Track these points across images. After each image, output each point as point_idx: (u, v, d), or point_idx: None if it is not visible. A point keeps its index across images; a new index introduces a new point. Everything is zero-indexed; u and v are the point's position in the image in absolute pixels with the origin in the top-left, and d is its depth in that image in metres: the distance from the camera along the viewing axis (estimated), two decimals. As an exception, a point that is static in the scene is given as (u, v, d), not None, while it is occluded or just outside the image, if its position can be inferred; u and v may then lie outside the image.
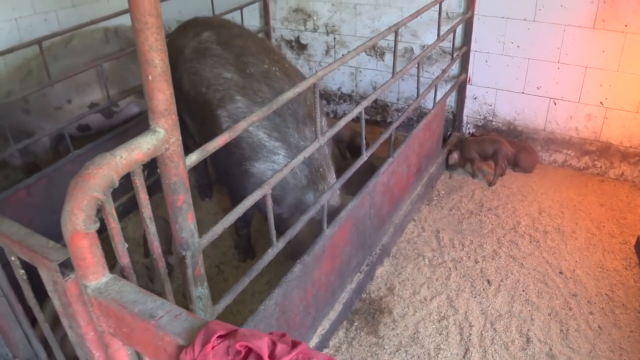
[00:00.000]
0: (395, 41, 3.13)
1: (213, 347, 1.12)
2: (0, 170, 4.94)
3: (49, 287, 1.66)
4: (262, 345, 1.10)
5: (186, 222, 1.79)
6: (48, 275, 1.62)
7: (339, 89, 5.45)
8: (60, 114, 4.30)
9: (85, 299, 1.47)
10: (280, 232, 2.51)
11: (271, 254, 2.35)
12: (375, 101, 5.26)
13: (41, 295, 1.87)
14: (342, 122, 2.73)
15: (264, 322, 2.32)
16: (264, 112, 2.13)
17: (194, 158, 1.83)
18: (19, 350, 2.41)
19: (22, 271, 1.85)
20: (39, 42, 3.66)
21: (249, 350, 1.10)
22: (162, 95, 1.55)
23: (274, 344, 1.12)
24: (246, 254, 3.68)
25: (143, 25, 1.43)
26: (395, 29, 3.06)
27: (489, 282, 3.37)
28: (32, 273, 1.82)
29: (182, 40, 3.56)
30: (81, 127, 4.40)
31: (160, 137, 1.57)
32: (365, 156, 3.04)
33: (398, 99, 5.13)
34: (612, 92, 4.19)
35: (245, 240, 3.63)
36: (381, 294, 3.31)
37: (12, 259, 1.81)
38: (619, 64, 4.08)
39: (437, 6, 3.88)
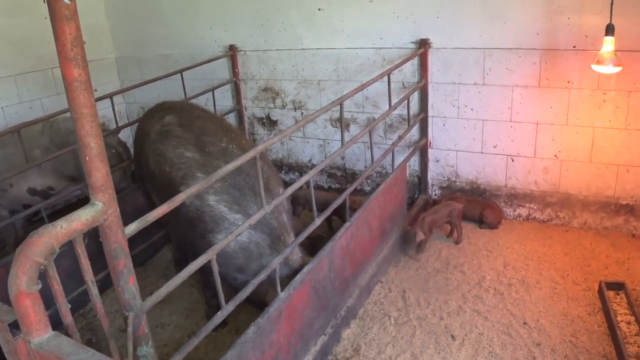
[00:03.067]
0: (341, 112, 3.37)
1: None
2: None
3: (4, 348, 1.82)
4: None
5: (128, 285, 1.95)
6: (2, 336, 1.78)
7: (309, 160, 5.68)
8: (6, 195, 4.79)
9: (30, 356, 1.63)
10: (250, 298, 2.64)
11: (220, 316, 2.50)
12: (344, 170, 5.47)
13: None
14: (289, 190, 2.91)
15: (218, 384, 2.40)
16: (202, 185, 2.33)
17: (133, 227, 1.99)
18: None
19: None
20: (17, 129, 3.99)
21: None
22: (99, 173, 1.75)
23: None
24: (218, 324, 3.75)
25: (79, 115, 1.67)
26: (339, 102, 3.28)
27: (453, 337, 3.43)
28: None
29: (148, 124, 3.82)
30: (25, 206, 4.79)
31: (99, 209, 1.77)
32: (317, 221, 3.19)
33: (365, 167, 5.34)
34: (564, 145, 4.40)
35: (216, 310, 3.71)
36: (347, 355, 3.36)
37: None
38: (567, 118, 4.31)
39: (395, 76, 4.13)
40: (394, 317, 3.68)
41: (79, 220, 1.71)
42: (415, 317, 3.66)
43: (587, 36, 4.03)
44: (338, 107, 3.31)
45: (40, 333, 1.63)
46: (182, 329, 3.82)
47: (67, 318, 1.82)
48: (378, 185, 4.95)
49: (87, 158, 1.72)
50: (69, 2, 1.55)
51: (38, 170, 4.68)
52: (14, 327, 1.73)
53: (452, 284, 3.98)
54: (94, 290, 1.88)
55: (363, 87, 3.66)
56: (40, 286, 1.61)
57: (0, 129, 5.30)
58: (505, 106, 4.49)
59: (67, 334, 1.79)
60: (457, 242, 4.48)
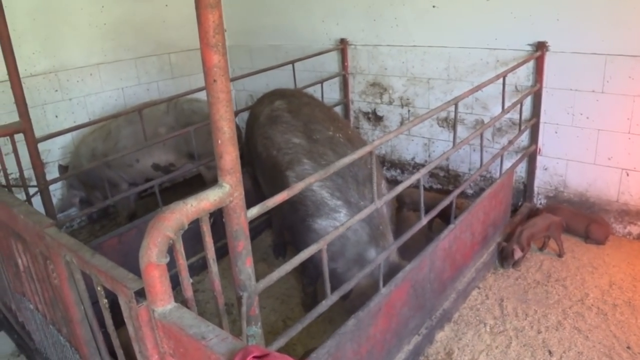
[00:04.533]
0: (455, 113, 3.34)
1: None
2: (99, 221, 5.73)
3: (125, 313, 1.97)
4: (289, 366, 1.31)
5: (244, 266, 2.05)
6: (125, 302, 1.94)
7: (412, 158, 5.66)
8: (131, 170, 5.19)
9: (152, 324, 1.75)
10: (334, 287, 2.71)
11: (324, 305, 2.57)
12: (448, 171, 5.41)
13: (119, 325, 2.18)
14: (400, 188, 2.94)
15: (316, 371, 2.49)
16: (320, 175, 2.39)
17: (254, 211, 2.08)
18: None
19: (105, 300, 2.19)
20: (139, 109, 4.29)
21: None
22: (229, 157, 1.84)
23: (300, 368, 1.33)
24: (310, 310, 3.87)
25: (216, 100, 1.76)
26: (454, 102, 3.26)
27: (550, 352, 3.34)
28: (116, 309, 2.14)
29: (258, 108, 3.99)
30: (147, 180, 5.16)
31: (226, 191, 1.86)
32: (424, 221, 3.20)
33: (470, 169, 5.25)
34: (685, 163, 4.13)
35: (311, 298, 3.82)
36: (439, 358, 3.36)
37: (98, 288, 2.16)
38: (691, 134, 4.04)
39: (508, 79, 4.03)
40: (489, 325, 3.62)
41: (207, 200, 1.80)
42: (512, 327, 3.58)
43: None
44: (447, 107, 3.28)
45: (164, 303, 1.73)
46: (277, 313, 3.95)
47: (188, 292, 1.93)
48: (481, 189, 4.88)
49: (219, 141, 1.80)
50: None
51: (162, 147, 5.06)
52: (138, 295, 1.87)
53: (553, 297, 3.85)
54: (214, 268, 1.99)
55: (478, 88, 3.60)
56: (168, 259, 1.71)
57: (120, 108, 5.72)
58: (625, 116, 4.26)
59: (186, 306, 1.91)
60: (560, 255, 4.32)
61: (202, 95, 4.57)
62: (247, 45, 6.61)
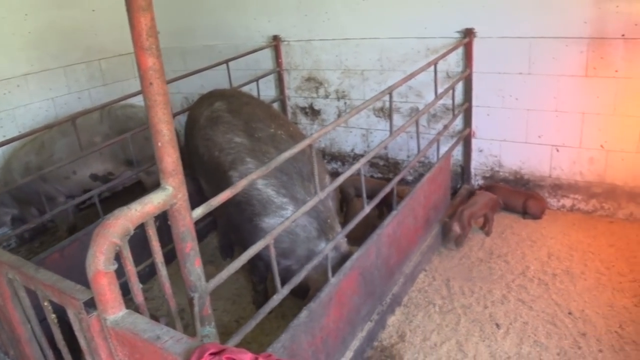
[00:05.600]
0: (390, 102, 3.41)
1: None
2: (37, 237, 5.55)
3: (75, 326, 1.94)
4: (245, 359, 1.32)
5: (194, 267, 2.04)
6: (75, 314, 1.91)
7: (352, 150, 5.74)
8: (69, 182, 5.02)
9: (105, 333, 1.74)
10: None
11: (276, 299, 2.60)
12: (387, 160, 5.52)
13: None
14: (341, 179, 2.98)
15: (273, 365, 2.50)
16: (262, 172, 2.40)
17: (199, 211, 2.08)
18: None
19: (54, 315, 2.14)
20: (73, 119, 4.16)
21: None
22: (170, 159, 1.83)
23: (256, 359, 1.34)
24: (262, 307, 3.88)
25: (153, 103, 1.75)
26: (388, 92, 3.33)
27: (497, 325, 3.47)
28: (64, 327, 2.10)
29: (197, 111, 3.96)
30: (85, 191, 5.00)
31: (169, 193, 1.86)
32: (367, 209, 3.26)
33: (408, 156, 5.37)
34: (611, 135, 4.36)
35: (263, 296, 3.83)
36: (392, 342, 3.44)
37: (45, 304, 2.11)
38: (614, 108, 4.26)
39: (439, 66, 4.14)
40: (438, 305, 3.73)
41: (152, 203, 1.80)
42: (459, 305, 3.70)
43: (636, 24, 3.97)
44: (382, 97, 3.35)
45: (116, 311, 1.73)
46: (229, 314, 3.94)
47: (139, 297, 1.92)
48: (420, 175, 5.00)
49: (159, 144, 1.79)
50: None
51: (99, 156, 4.92)
52: (88, 305, 1.83)
53: (496, 273, 4.01)
54: (163, 271, 1.99)
55: (411, 76, 3.69)
56: (116, 266, 1.70)
57: (51, 119, 5.53)
58: (551, 96, 4.46)
59: (138, 312, 1.90)
60: (487, 234, 4.49)
61: (136, 100, 4.50)
62: (180, 46, 6.51)
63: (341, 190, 4.67)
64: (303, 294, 3.33)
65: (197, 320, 2.06)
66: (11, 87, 5.34)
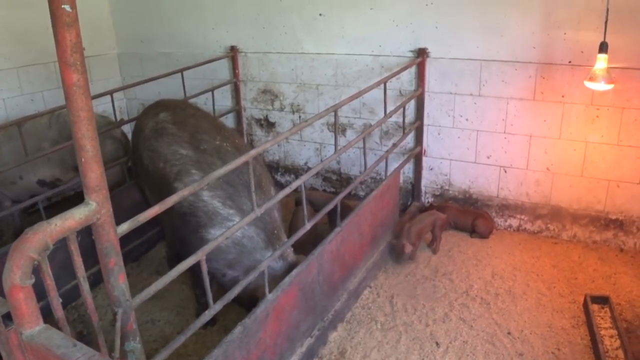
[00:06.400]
0: (336, 119, 3.42)
1: None
2: None
3: None
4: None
5: (118, 282, 2.01)
6: (-5, 326, 1.85)
7: (305, 163, 5.73)
8: (15, 187, 4.88)
9: (22, 347, 1.70)
10: (239, 296, 2.77)
11: (207, 315, 2.57)
12: (340, 174, 5.53)
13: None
14: (280, 195, 2.98)
15: (205, 381, 2.46)
16: (194, 188, 2.37)
17: (125, 227, 2.04)
18: None
19: None
20: (19, 122, 4.09)
21: None
22: (93, 174, 1.81)
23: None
24: (207, 322, 3.81)
25: (77, 118, 1.74)
26: (333, 109, 3.34)
27: (437, 344, 3.48)
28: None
29: (143, 121, 3.91)
30: (32, 196, 4.83)
31: (92, 208, 1.83)
32: (308, 225, 3.25)
33: (360, 172, 5.38)
34: (556, 158, 4.45)
35: (205, 308, 3.76)
36: (333, 358, 3.42)
37: None
38: (560, 132, 4.36)
39: (392, 84, 4.18)
40: (380, 322, 3.73)
41: (73, 218, 1.78)
42: (401, 322, 3.71)
43: (582, 52, 4.09)
44: (334, 113, 3.36)
45: (32, 325, 1.70)
46: (172, 326, 3.87)
47: (58, 312, 1.89)
48: (372, 190, 5.01)
49: (82, 159, 1.78)
50: (70, 10, 1.60)
51: (47, 162, 4.78)
52: (7, 318, 1.79)
53: (440, 291, 4.03)
54: (84, 286, 1.95)
55: (359, 94, 3.72)
56: (33, 280, 1.67)
57: (1, 120, 5.37)
58: (500, 118, 4.55)
59: (57, 327, 1.85)
60: (434, 252, 4.53)
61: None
62: (138, 52, 6.44)
63: (296, 201, 4.68)
64: (252, 306, 3.30)
65: (117, 336, 2.02)
66: (-42, 86, 5.19)
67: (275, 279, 3.11)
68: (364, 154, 3.84)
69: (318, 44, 5.18)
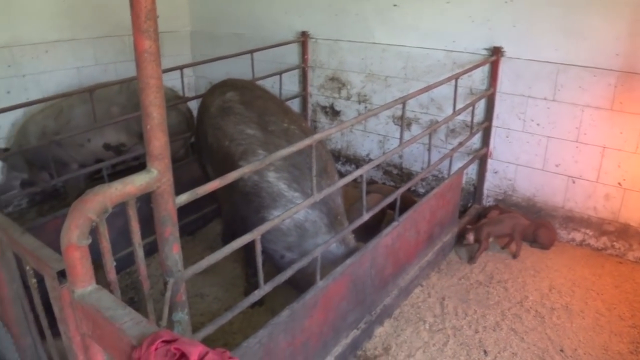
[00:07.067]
0: (403, 111, 3.35)
1: (156, 349, 1.32)
2: (47, 201, 5.64)
3: (51, 294, 1.94)
4: (194, 351, 1.29)
5: (171, 252, 2.02)
6: (50, 283, 1.90)
7: (367, 155, 5.67)
8: (82, 150, 5.11)
9: (73, 305, 1.72)
10: (294, 278, 2.79)
11: (256, 295, 2.58)
12: (401, 169, 5.44)
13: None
14: (341, 183, 2.94)
15: (247, 359, 2.46)
16: (256, 166, 2.36)
17: (184, 198, 2.05)
18: (26, 356, 2.69)
19: (34, 280, 2.15)
20: (91, 90, 4.25)
21: (182, 354, 1.29)
22: (157, 142, 1.81)
23: (206, 352, 1.30)
24: (255, 302, 3.84)
25: (145, 85, 1.73)
26: (402, 101, 3.27)
27: (485, 352, 3.38)
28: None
29: (209, 99, 3.94)
30: (98, 160, 5.12)
31: (154, 176, 1.83)
32: (365, 217, 3.20)
33: (422, 168, 5.29)
34: (630, 174, 4.23)
35: (254, 288, 3.78)
36: (377, 353, 3.37)
37: (27, 268, 2.13)
38: (637, 146, 4.13)
39: (463, 81, 4.07)
40: (429, 322, 3.66)
41: (133, 184, 1.78)
42: (450, 326, 3.62)
43: (671, 63, 3.86)
44: (401, 105, 3.29)
45: (84, 285, 1.70)
46: (220, 302, 3.91)
47: (111, 275, 1.91)
48: (432, 188, 4.91)
49: (148, 126, 1.78)
50: None
51: (114, 126, 4.98)
52: (61, 275, 1.83)
53: (493, 298, 3.91)
54: (139, 252, 1.97)
55: (429, 88, 3.63)
56: (89, 241, 1.68)
57: (74, 87, 5.56)
58: (574, 125, 4.35)
59: (109, 290, 1.88)
60: (514, 256, 4.40)
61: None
62: (210, 32, 6.53)
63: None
64: (303, 288, 3.31)
65: (166, 305, 2.03)
66: (39, 53, 5.39)
67: (336, 264, 3.11)
68: (429, 149, 3.75)
69: (390, 35, 5.09)
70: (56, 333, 2.25)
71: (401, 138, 3.39)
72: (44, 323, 2.31)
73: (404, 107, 3.32)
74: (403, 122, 3.41)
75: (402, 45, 5.05)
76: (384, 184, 5.53)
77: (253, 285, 3.78)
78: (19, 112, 5.16)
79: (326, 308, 2.99)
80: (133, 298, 3.89)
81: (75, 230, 1.64)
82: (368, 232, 3.56)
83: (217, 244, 4.63)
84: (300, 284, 3.20)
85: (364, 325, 3.39)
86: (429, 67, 4.94)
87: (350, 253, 3.26)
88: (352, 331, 3.32)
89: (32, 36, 5.29)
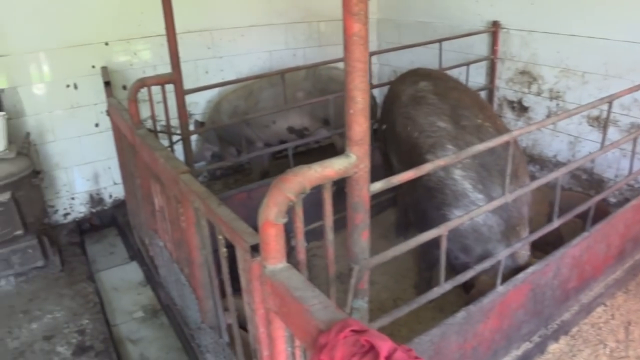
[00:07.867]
0: (608, 112, 3.08)
1: (344, 337, 1.33)
2: (233, 175, 6.16)
3: (240, 265, 2.08)
4: (384, 346, 1.27)
5: (360, 239, 2.05)
6: (241, 254, 2.03)
7: (554, 156, 5.30)
8: (267, 130, 5.40)
9: (262, 279, 1.82)
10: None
11: (436, 292, 2.53)
12: (591, 174, 5.01)
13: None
14: (534, 185, 2.79)
15: (415, 355, 2.45)
16: (452, 159, 2.34)
17: (378, 186, 2.06)
18: (207, 318, 2.93)
19: (225, 249, 2.32)
20: (282, 72, 4.51)
21: (371, 347, 1.28)
22: (359, 127, 1.82)
23: (394, 350, 1.28)
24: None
25: (352, 68, 1.75)
26: (608, 100, 2.99)
27: (678, 389, 3.03)
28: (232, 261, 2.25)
29: (400, 87, 3.89)
30: (281, 141, 5.41)
31: (352, 161, 1.85)
32: (556, 223, 3.01)
33: (616, 176, 4.81)
34: None
35: (426, 283, 3.74)
36: (549, 370, 3.18)
37: (219, 237, 2.30)
38: None
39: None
40: (610, 347, 3.34)
41: (332, 167, 1.81)
42: (635, 355, 3.27)
43: None
44: (603, 105, 3.02)
45: (276, 262, 1.77)
46: (389, 292, 3.93)
47: (301, 255, 1.97)
48: (626, 199, 4.46)
49: (351, 111, 1.79)
50: None
51: (299, 110, 5.23)
52: (254, 249, 1.93)
53: (692, 331, 3.47)
54: (329, 236, 2.01)
55: (638, 87, 3.27)
56: (286, 220, 1.73)
57: (265, 70, 5.92)
58: None
59: (297, 269, 1.95)
60: None
61: (342, 64, 4.60)
62: (396, 19, 6.51)
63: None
64: (467, 288, 3.21)
65: (350, 292, 2.07)
66: (236, 36, 5.78)
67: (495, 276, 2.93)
68: (632, 156, 3.40)
69: (590, 26, 4.63)
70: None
71: (603, 142, 3.11)
72: (229, 290, 2.49)
73: (609, 107, 3.04)
74: (607, 124, 3.12)
75: (605, 39, 4.57)
76: (569, 189, 5.14)
77: (425, 280, 3.77)
78: (214, 91, 5.64)
79: (502, 315, 2.86)
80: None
81: (273, 208, 1.71)
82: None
83: (390, 233, 4.66)
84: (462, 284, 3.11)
85: (537, 338, 3.20)
86: (636, 64, 4.44)
87: (516, 270, 3.07)
88: (524, 343, 3.15)
89: (231, 21, 5.68)
